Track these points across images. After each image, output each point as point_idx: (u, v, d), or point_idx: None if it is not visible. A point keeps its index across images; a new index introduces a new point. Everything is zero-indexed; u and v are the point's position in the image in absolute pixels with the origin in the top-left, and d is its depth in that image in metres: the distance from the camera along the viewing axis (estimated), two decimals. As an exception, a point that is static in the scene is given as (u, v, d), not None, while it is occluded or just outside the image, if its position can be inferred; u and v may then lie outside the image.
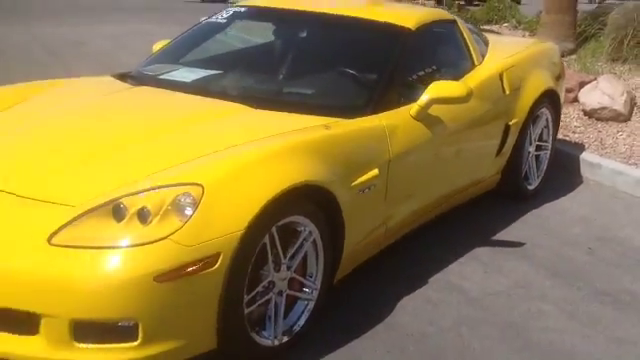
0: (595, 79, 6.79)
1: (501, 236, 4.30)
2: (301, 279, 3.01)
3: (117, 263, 2.44)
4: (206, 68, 4.05)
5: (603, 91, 6.40)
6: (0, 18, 12.77)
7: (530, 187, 4.90)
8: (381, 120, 3.46)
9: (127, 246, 2.47)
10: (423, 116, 3.63)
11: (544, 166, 5.03)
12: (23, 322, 2.49)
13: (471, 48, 4.44)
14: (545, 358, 3.04)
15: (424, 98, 3.58)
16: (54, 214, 2.60)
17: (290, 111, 3.41)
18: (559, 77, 5.19)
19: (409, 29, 3.96)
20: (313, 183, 2.91)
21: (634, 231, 4.46)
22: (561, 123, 5.45)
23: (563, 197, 5.00)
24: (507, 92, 4.44)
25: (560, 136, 5.71)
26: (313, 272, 3.06)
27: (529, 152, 4.82)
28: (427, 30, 4.13)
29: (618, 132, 6.03)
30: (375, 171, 3.29)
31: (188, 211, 2.55)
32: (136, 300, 2.44)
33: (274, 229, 2.78)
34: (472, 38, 4.53)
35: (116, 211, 2.57)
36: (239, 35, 4.93)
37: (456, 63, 4.34)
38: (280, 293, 2.92)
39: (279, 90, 3.75)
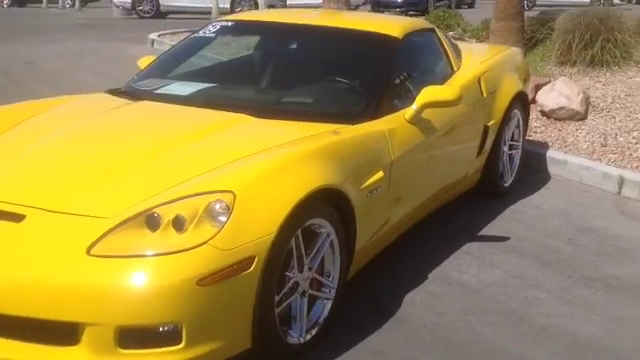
0: (549, 81, 7.13)
1: (486, 231, 4.52)
2: (321, 279, 3.15)
3: (161, 269, 2.54)
4: (199, 81, 4.16)
5: (560, 92, 6.73)
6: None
7: (505, 184, 5.16)
8: (381, 125, 3.63)
9: (168, 253, 2.57)
10: (417, 120, 3.82)
11: (516, 164, 5.30)
12: (62, 333, 2.55)
13: (450, 55, 4.67)
14: (552, 341, 3.25)
15: (418, 102, 3.78)
16: (90, 226, 2.68)
17: (294, 119, 3.56)
18: (526, 80, 5.48)
19: (397, 38, 4.16)
20: (331, 187, 3.06)
21: (608, 221, 4.75)
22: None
23: (536, 193, 5.28)
24: (485, 95, 4.68)
25: (523, 136, 5.99)
26: (331, 271, 3.20)
27: (504, 151, 5.08)
28: (411, 39, 4.34)
29: (577, 130, 6.37)
30: (380, 173, 3.46)
31: (222, 217, 2.66)
32: (180, 304, 2.54)
33: (299, 231, 2.92)
34: (450, 45, 4.76)
35: (150, 221, 2.66)
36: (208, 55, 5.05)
37: (438, 69, 4.56)
38: (304, 293, 3.05)
39: (280, 100, 3.87)
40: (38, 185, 2.96)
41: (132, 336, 2.55)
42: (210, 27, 4.57)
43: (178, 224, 2.65)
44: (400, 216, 3.81)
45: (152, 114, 3.73)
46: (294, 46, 4.31)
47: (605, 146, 5.89)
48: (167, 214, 2.66)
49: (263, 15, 4.57)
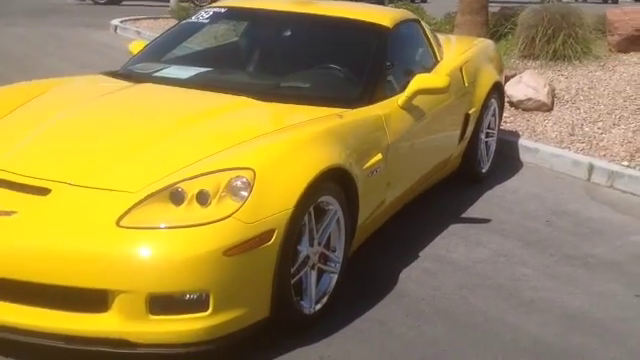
0: (516, 74, 7.42)
1: (468, 214, 4.75)
2: (328, 253, 3.32)
3: (190, 240, 2.67)
4: (195, 66, 4.27)
5: (527, 84, 7.02)
6: None
7: (483, 170, 5.40)
8: (378, 110, 3.81)
9: (196, 225, 2.70)
10: (409, 106, 4.02)
11: (492, 152, 5.54)
12: (92, 300, 2.66)
13: (434, 45, 4.87)
14: (542, 312, 3.48)
15: (410, 89, 3.96)
16: (116, 200, 2.79)
17: (295, 103, 3.70)
18: (501, 70, 5.74)
19: (388, 27, 4.34)
20: (339, 166, 3.22)
21: (580, 205, 5.03)
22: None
23: (511, 179, 5.54)
24: (466, 84, 4.90)
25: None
26: (336, 246, 3.37)
27: (481, 139, 5.31)
28: (400, 28, 4.52)
29: (545, 120, 6.66)
30: (379, 156, 3.64)
31: (244, 192, 2.81)
32: (209, 273, 2.68)
33: (311, 208, 3.08)
34: (433, 36, 4.96)
35: (174, 195, 2.79)
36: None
37: (424, 59, 4.76)
38: (313, 266, 3.21)
39: (279, 84, 3.99)
40: (59, 161, 3.05)
41: (162, 303, 2.68)
42: (203, 13, 4.67)
43: (202, 198, 2.78)
44: (394, 196, 4.00)
45: (158, 95, 3.83)
46: (288, 34, 4.45)
47: (573, 135, 6.19)
48: (191, 189, 2.79)
49: (257, 2, 4.67)
